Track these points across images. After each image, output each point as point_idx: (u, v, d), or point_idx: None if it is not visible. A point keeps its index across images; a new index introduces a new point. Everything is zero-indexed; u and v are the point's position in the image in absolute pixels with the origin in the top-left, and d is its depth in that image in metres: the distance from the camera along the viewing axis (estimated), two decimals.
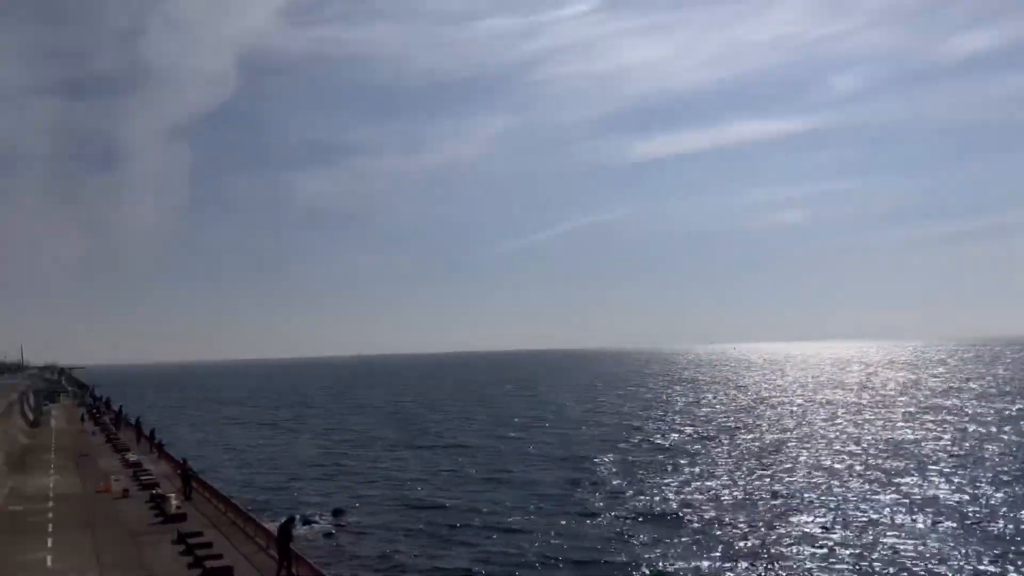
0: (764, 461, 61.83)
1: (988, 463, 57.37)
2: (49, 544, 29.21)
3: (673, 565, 34.33)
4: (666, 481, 54.39)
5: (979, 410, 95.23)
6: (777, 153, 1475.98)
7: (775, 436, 77.01)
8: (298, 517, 39.15)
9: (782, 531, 39.87)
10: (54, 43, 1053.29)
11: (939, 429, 78.05)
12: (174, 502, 35.25)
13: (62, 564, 26.33)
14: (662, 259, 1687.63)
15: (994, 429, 76.46)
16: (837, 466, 58.32)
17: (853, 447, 67.72)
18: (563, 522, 43.13)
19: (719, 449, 69.38)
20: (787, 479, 53.96)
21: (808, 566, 33.76)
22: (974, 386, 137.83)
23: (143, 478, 43.81)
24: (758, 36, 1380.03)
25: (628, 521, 42.98)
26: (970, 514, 42.02)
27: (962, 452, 62.84)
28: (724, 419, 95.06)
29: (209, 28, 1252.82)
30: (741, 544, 37.59)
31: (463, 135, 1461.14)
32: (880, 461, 59.98)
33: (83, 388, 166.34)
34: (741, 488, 51.18)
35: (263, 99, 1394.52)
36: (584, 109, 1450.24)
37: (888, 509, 43.97)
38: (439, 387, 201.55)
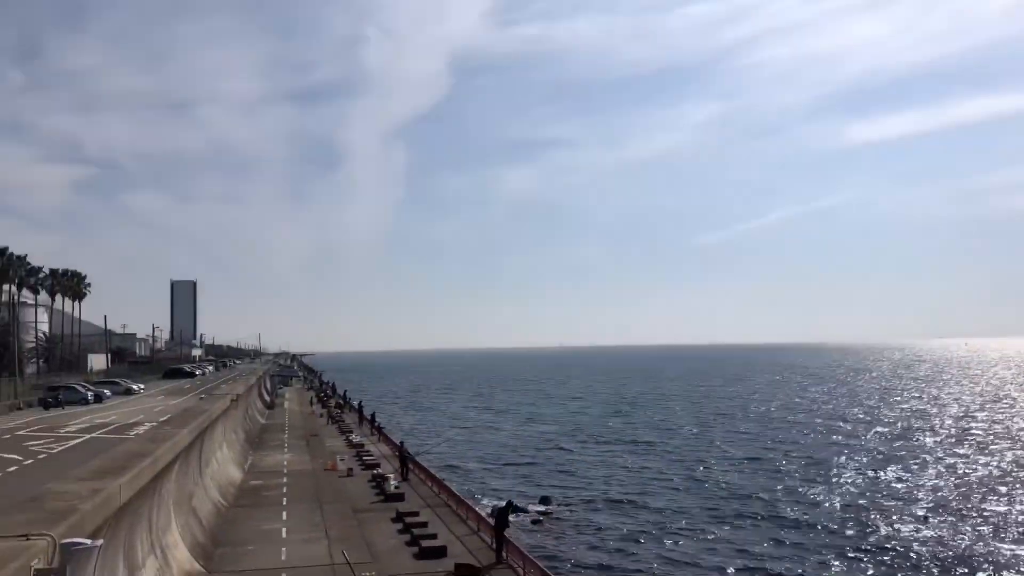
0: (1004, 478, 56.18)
1: None
2: (284, 516, 31.55)
3: None
4: (875, 496, 50.73)
5: None
6: (1016, 131, 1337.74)
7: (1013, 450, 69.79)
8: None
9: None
10: (285, 54, 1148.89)
11: None
12: (393, 482, 37.12)
13: (295, 535, 28.36)
14: (882, 248, 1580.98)
15: None
16: None
17: None
18: (766, 531, 41.35)
19: (959, 459, 63.80)
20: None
21: None
22: None
23: (365, 458, 46.44)
24: (989, 6, 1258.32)
25: (830, 536, 40.54)
26: None
27: None
28: (956, 424, 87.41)
29: (421, 33, 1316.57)
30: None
31: (667, 125, 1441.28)
32: None
33: (312, 373, 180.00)
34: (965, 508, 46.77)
35: (471, 99, 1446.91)
36: (797, 92, 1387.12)
37: None
38: (644, 380, 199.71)
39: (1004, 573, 32.55)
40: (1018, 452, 62.98)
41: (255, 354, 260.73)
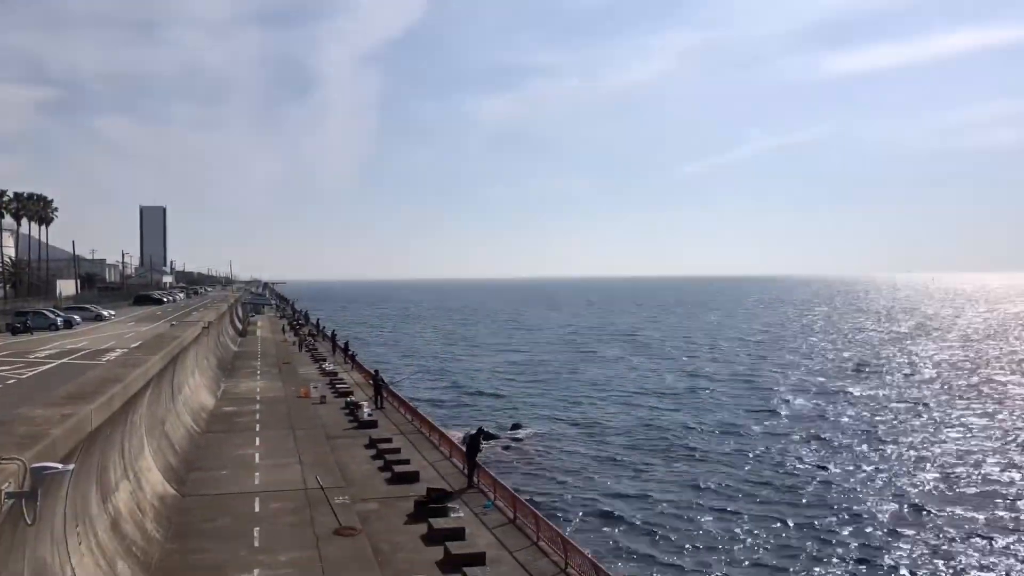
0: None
1: None
2: (257, 442, 31.74)
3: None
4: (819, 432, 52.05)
5: None
6: (995, 65, 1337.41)
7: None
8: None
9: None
10: None
11: None
12: (366, 409, 37.40)
13: (268, 460, 28.59)
14: (856, 182, 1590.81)
15: None
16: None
17: None
18: (725, 456, 42.45)
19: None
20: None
21: None
22: None
23: (338, 386, 46.65)
24: None
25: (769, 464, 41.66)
26: None
27: None
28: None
29: None
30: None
31: (647, 54, 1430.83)
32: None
33: (284, 301, 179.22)
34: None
35: (448, 22, 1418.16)
36: (776, 22, 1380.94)
37: None
38: (619, 312, 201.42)
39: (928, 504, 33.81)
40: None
41: (226, 281, 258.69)
